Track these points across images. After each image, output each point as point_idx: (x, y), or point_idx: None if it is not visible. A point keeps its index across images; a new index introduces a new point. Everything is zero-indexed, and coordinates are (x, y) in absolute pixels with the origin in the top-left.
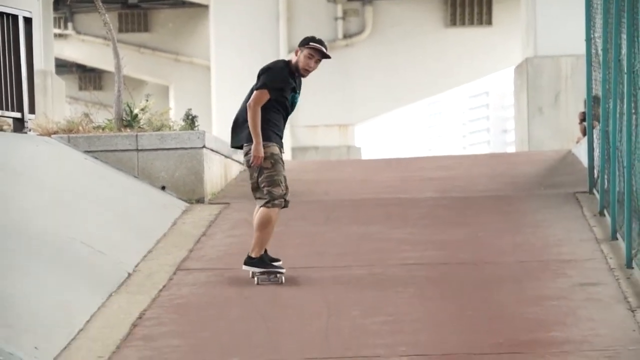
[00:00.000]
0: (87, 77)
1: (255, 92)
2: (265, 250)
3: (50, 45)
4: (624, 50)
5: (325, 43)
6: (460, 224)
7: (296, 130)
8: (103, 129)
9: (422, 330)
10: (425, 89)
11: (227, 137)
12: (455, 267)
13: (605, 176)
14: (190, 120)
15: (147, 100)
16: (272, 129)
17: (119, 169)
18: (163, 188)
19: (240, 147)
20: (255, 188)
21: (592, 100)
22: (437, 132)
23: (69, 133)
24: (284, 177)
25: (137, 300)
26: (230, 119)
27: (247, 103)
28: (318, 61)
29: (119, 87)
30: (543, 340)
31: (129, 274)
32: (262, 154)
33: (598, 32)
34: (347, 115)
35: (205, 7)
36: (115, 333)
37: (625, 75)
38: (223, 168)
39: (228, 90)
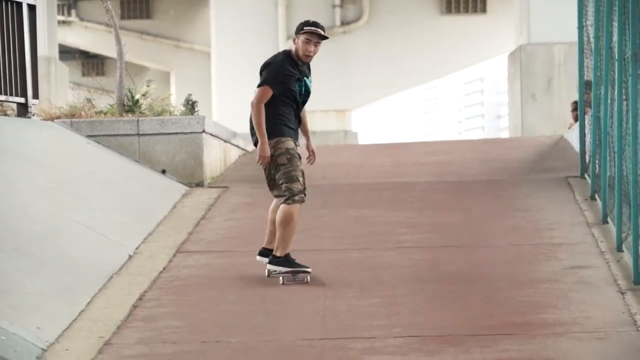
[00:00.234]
0: (90, 63)
1: (257, 89)
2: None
3: (53, 32)
4: (615, 38)
5: (321, 24)
6: (455, 208)
7: None
8: (105, 114)
9: (418, 312)
10: (421, 76)
11: (226, 122)
12: (450, 250)
13: (597, 161)
14: (191, 106)
15: (148, 86)
16: (284, 123)
17: (120, 153)
18: (163, 172)
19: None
20: (272, 185)
21: (585, 86)
22: (433, 117)
23: (71, 118)
24: (302, 172)
25: (138, 281)
26: (230, 104)
27: (250, 101)
28: (317, 44)
29: (121, 73)
30: (535, 322)
31: (130, 256)
32: (267, 153)
33: (590, 20)
34: (345, 101)
35: None
36: (116, 314)
37: (617, 63)
38: (222, 152)
39: (228, 77)
